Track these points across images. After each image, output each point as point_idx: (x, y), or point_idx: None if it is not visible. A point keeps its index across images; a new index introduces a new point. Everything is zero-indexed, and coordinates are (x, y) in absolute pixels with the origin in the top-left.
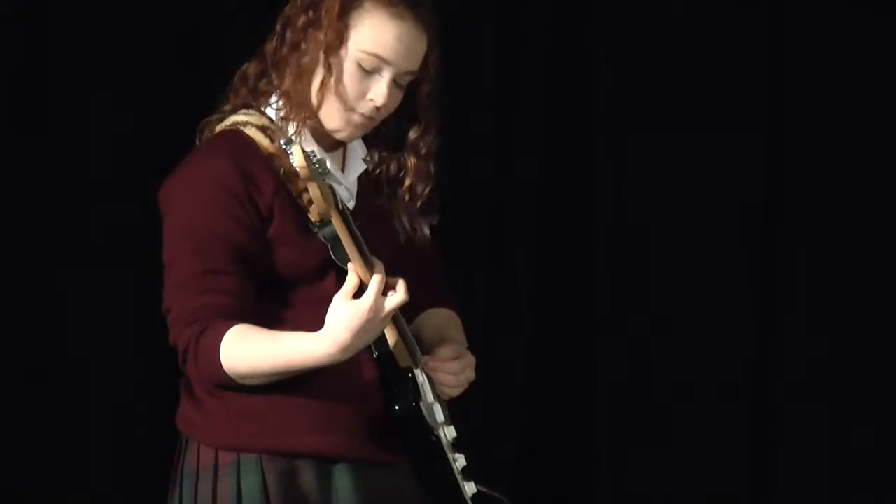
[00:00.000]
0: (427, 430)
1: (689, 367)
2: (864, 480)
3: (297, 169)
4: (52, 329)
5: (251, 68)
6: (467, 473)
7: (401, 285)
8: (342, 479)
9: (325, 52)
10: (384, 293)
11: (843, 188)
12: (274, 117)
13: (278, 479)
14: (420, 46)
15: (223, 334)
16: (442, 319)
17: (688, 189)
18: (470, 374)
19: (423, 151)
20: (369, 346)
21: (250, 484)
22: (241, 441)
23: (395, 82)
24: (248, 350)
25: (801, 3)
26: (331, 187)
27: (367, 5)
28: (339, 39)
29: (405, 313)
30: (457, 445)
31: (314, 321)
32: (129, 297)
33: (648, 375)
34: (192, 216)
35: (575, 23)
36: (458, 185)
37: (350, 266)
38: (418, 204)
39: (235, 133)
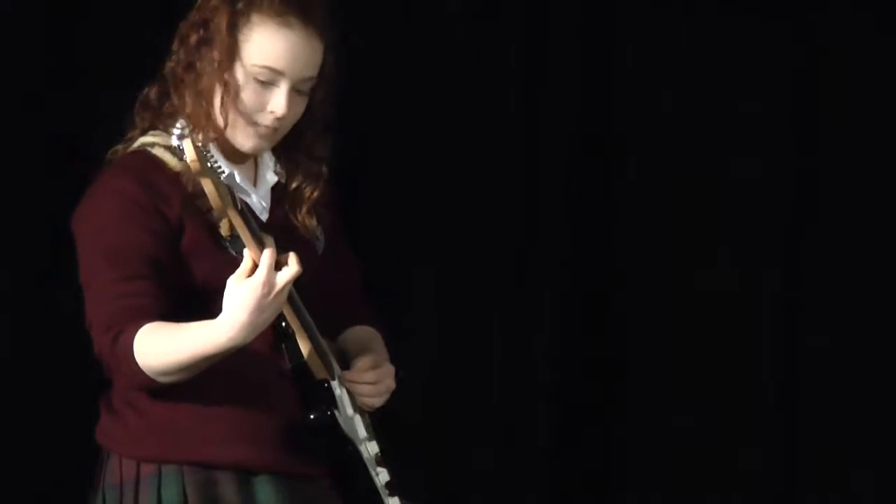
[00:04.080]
0: (345, 441)
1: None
2: None
3: (189, 163)
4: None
5: (152, 91)
6: (391, 488)
7: (292, 259)
8: (263, 491)
9: (219, 70)
10: (278, 269)
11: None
12: (175, 142)
13: (198, 490)
14: (314, 53)
15: (136, 333)
16: (364, 334)
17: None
18: (390, 384)
19: (316, 153)
20: (284, 357)
21: (170, 495)
22: (162, 453)
23: (295, 91)
24: (157, 344)
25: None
26: (229, 188)
27: (254, 18)
28: (232, 55)
29: (323, 328)
30: (380, 460)
31: None
32: None
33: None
34: (101, 233)
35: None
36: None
37: (245, 251)
38: (305, 208)
39: (142, 153)
